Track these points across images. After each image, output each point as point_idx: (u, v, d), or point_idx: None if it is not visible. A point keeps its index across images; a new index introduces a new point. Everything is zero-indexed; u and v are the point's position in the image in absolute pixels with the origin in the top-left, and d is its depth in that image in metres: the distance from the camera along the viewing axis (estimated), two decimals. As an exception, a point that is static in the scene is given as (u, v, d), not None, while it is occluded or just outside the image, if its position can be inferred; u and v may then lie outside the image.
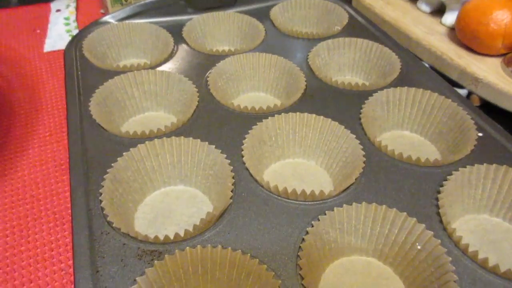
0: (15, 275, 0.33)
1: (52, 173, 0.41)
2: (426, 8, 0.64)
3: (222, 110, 0.43)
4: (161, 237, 0.31)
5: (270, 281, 0.28)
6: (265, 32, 0.55)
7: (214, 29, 0.57)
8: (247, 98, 0.49)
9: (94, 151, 0.37)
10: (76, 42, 0.51)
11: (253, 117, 0.41)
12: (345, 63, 0.53)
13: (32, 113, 0.48)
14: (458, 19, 0.55)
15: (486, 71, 0.51)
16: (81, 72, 0.47)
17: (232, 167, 0.36)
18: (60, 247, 0.35)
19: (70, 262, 0.34)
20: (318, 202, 0.34)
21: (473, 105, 0.44)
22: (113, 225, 0.31)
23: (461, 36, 0.55)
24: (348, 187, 0.35)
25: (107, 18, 0.55)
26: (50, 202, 0.39)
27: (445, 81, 0.48)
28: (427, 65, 0.55)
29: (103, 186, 0.34)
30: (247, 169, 0.36)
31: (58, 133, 0.46)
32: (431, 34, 0.59)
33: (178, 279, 0.29)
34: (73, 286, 0.33)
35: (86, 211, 0.32)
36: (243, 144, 0.38)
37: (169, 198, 0.37)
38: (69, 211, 0.38)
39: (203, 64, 0.49)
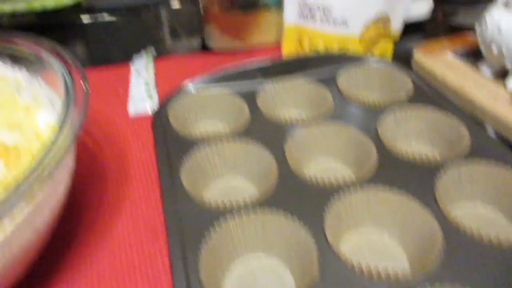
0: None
1: (144, 238, 0.45)
2: (488, 72, 0.65)
3: (300, 181, 0.46)
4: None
5: None
6: (332, 99, 0.59)
7: (284, 97, 0.61)
8: (318, 167, 0.52)
9: (187, 222, 0.41)
10: (161, 111, 0.57)
11: (329, 189, 0.44)
12: (413, 133, 0.55)
13: (122, 178, 0.53)
14: (525, 88, 0.56)
15: (557, 142, 0.51)
16: (168, 141, 0.51)
17: (314, 240, 0.38)
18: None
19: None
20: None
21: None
22: (211, 298, 0.34)
23: (528, 104, 0.55)
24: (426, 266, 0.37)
25: (187, 86, 0.60)
26: (144, 268, 0.42)
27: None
28: (493, 132, 0.56)
29: (199, 257, 0.37)
30: (330, 245, 0.39)
31: (148, 198, 0.50)
32: (496, 99, 0.60)
33: None
34: None
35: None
36: (323, 218, 0.41)
37: (251, 267, 0.40)
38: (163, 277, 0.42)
39: (277, 133, 0.53)
